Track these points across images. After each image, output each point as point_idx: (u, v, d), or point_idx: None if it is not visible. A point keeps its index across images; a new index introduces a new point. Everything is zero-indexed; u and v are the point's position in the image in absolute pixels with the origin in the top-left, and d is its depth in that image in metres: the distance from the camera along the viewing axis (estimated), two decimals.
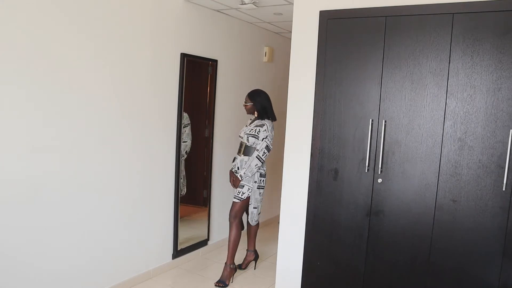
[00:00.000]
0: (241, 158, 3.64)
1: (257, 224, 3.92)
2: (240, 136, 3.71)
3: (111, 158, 3.13)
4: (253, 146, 3.59)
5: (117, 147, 3.18)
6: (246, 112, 3.73)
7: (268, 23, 4.45)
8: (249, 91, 3.75)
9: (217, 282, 3.58)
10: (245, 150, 3.62)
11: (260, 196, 3.73)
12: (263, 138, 3.58)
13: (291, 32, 3.72)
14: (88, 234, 3.03)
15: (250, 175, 3.60)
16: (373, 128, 2.76)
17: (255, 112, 3.67)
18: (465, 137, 2.51)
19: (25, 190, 2.61)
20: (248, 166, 3.58)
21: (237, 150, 3.79)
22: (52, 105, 2.70)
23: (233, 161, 3.77)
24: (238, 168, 3.66)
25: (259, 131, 3.58)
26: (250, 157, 3.60)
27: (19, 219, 2.59)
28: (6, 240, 2.54)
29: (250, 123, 3.69)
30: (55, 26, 2.66)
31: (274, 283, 3.45)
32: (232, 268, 3.67)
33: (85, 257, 3.02)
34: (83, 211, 2.97)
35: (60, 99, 2.74)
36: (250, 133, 3.60)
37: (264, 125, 3.59)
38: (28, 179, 2.61)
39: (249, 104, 3.65)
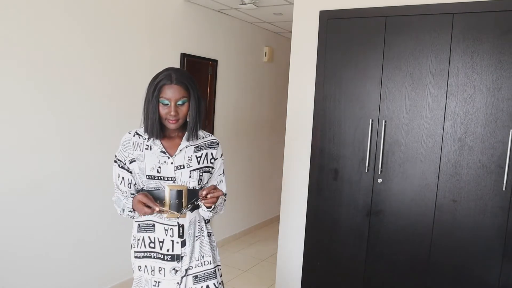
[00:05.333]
0: (193, 217, 1.77)
1: None
2: (153, 177, 1.70)
3: (111, 157, 3.13)
4: (200, 187, 1.76)
5: (117, 146, 3.18)
6: (172, 124, 1.68)
7: (268, 23, 4.45)
8: (171, 67, 1.77)
9: None
10: (190, 200, 1.71)
11: None
12: (223, 170, 1.87)
13: (291, 32, 3.72)
14: (89, 233, 3.02)
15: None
16: (373, 128, 2.76)
17: (187, 117, 1.73)
18: (465, 137, 2.51)
19: (25, 189, 2.61)
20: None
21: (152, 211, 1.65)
22: (51, 105, 2.70)
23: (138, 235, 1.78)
24: (182, 242, 1.73)
25: (213, 156, 1.80)
26: (208, 209, 1.76)
27: (19, 218, 2.59)
28: (6, 238, 2.54)
29: (175, 145, 1.76)
30: (54, 26, 2.66)
31: (274, 283, 3.45)
32: None
33: (86, 256, 3.02)
34: (85, 209, 2.97)
35: (59, 99, 2.74)
36: (202, 166, 1.76)
37: (217, 142, 1.84)
38: (28, 178, 2.61)
39: (185, 102, 1.68)
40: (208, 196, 1.62)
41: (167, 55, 3.54)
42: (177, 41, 3.63)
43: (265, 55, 4.85)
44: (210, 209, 1.75)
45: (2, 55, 2.41)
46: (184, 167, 1.73)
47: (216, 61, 4.11)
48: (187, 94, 1.67)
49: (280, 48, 5.14)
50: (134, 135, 1.80)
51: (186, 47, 3.72)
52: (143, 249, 1.76)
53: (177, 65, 3.64)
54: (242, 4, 3.58)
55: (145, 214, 1.65)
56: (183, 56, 3.69)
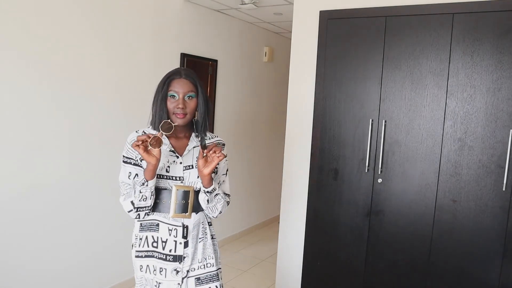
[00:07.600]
0: (197, 219, 1.78)
1: None
2: (161, 176, 1.72)
3: (112, 157, 3.13)
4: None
5: (117, 146, 3.18)
6: (179, 119, 1.68)
7: (268, 23, 4.45)
8: (177, 68, 1.80)
9: None
10: (196, 202, 1.76)
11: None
12: (227, 170, 1.89)
13: (291, 32, 3.72)
14: (89, 233, 3.02)
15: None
16: (373, 128, 2.76)
17: (195, 117, 1.78)
18: (465, 137, 2.51)
19: (26, 189, 2.61)
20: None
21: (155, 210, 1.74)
22: (52, 104, 2.70)
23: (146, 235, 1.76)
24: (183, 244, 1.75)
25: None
26: (205, 211, 1.81)
27: (19, 218, 2.59)
28: (6, 239, 2.54)
29: (183, 145, 1.77)
30: (57, 26, 2.66)
31: (274, 283, 3.45)
32: None
33: (86, 256, 3.02)
34: (84, 210, 2.97)
35: (60, 99, 2.74)
36: None
37: (223, 143, 1.87)
38: (30, 178, 2.61)
39: (193, 97, 1.71)
40: (210, 153, 1.64)
41: (167, 55, 3.54)
42: (177, 41, 3.63)
43: (265, 55, 4.85)
44: (209, 190, 1.69)
45: (11, 55, 2.41)
46: (192, 167, 1.74)
47: (216, 61, 4.11)
48: (195, 90, 1.70)
49: (280, 48, 5.14)
50: (142, 134, 1.74)
51: (186, 47, 3.72)
52: (145, 248, 1.75)
53: (177, 65, 3.64)
54: (242, 4, 3.58)
55: (150, 160, 1.56)
56: (183, 56, 3.69)
